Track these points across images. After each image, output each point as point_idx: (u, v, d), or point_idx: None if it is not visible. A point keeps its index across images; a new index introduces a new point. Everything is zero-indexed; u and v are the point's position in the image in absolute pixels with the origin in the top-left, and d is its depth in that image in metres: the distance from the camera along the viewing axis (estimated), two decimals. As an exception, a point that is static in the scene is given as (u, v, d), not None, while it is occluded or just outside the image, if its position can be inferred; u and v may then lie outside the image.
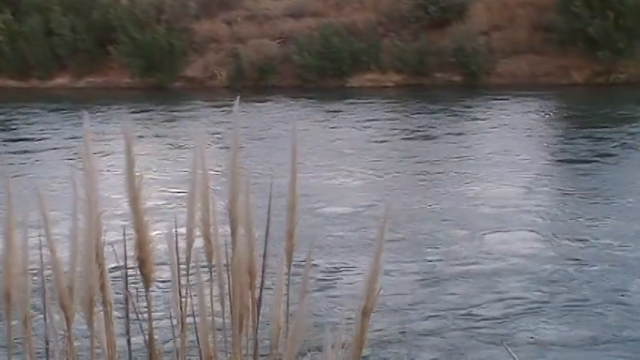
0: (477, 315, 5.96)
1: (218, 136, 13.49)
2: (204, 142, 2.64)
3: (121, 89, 23.94)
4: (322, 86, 22.35)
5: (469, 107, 18.11)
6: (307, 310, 2.17)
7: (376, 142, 14.13)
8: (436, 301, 6.27)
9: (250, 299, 2.49)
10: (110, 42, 24.12)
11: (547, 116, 17.11)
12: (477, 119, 16.45)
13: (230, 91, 21.65)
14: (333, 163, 12.15)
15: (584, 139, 13.62)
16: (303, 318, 2.10)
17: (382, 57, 22.84)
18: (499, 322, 5.80)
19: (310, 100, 19.88)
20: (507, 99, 18.91)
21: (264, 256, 2.53)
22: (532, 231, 8.19)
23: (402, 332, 5.57)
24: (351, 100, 19.59)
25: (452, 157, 12.38)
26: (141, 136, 14.58)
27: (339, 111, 18.04)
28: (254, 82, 23.24)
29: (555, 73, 21.65)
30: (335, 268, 7.03)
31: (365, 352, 2.25)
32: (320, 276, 6.69)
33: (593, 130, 14.49)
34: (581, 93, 20.00)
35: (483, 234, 8.09)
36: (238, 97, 2.56)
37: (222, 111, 17.57)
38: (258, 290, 2.53)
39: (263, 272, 2.50)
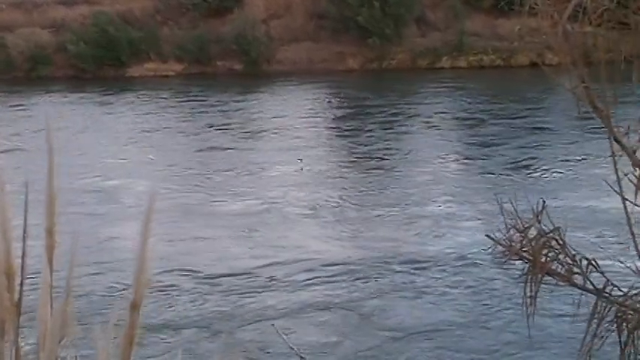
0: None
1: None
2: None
3: None
4: (100, 76, 21.60)
5: (249, 94, 18.34)
6: (70, 308, 2.08)
7: (149, 132, 14.02)
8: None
9: (10, 302, 2.34)
10: None
11: (323, 100, 17.76)
12: (256, 107, 16.70)
13: (-2, 82, 20.26)
14: (109, 153, 11.84)
15: (355, 120, 14.45)
16: (64, 316, 2.00)
17: (162, 46, 22.45)
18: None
19: (86, 91, 19.13)
20: (286, 85, 19.37)
21: (23, 255, 2.39)
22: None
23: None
24: (129, 91, 19.10)
25: (230, 144, 12.60)
26: None
27: (115, 102, 17.53)
28: (25, 73, 21.97)
29: (332, 60, 22.43)
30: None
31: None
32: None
33: (365, 111, 15.41)
34: (356, 78, 20.92)
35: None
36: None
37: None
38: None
39: (22, 272, 2.37)
